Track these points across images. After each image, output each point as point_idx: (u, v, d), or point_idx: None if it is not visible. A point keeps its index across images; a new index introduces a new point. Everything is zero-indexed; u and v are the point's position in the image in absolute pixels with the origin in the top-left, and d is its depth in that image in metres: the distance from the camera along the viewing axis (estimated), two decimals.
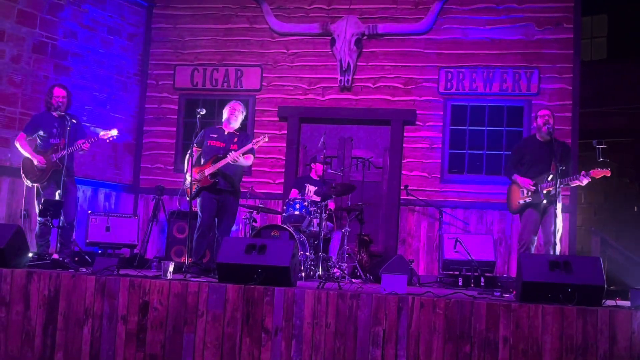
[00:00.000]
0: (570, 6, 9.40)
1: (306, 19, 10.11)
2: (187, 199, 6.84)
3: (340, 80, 9.84)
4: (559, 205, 6.74)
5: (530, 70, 9.41)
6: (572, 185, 6.99)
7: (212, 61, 10.34)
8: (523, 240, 6.98)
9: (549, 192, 6.65)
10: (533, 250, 6.99)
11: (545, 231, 6.90)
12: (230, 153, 6.93)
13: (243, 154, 6.97)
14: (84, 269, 6.22)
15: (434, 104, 9.67)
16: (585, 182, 6.61)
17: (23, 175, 7.32)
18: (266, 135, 7.15)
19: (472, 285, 7.98)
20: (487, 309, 4.77)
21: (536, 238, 6.99)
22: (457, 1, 9.73)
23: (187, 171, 6.89)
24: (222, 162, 6.95)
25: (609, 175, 6.48)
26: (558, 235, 6.55)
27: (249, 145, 6.99)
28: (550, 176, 6.68)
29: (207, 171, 6.95)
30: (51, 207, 6.77)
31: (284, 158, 9.95)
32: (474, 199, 9.40)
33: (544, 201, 6.77)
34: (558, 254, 6.44)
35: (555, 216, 6.51)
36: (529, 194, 6.91)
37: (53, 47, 9.13)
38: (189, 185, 6.75)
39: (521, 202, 6.98)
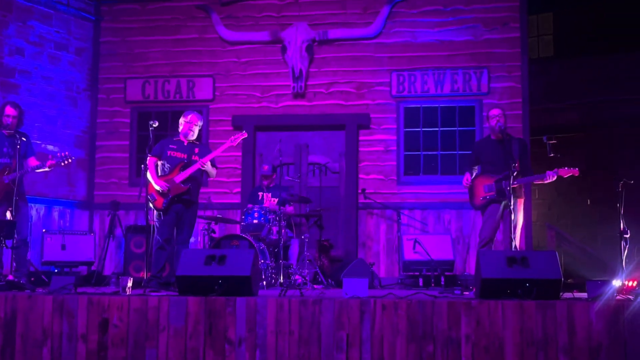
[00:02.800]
0: (516, 5, 9.57)
1: (256, 27, 10.09)
2: (151, 205, 6.89)
3: (293, 87, 9.85)
4: (520, 201, 6.82)
5: (480, 70, 9.54)
6: (537, 182, 6.97)
7: (163, 73, 10.24)
8: (483, 235, 6.94)
9: (513, 189, 6.62)
10: (492, 247, 7.03)
11: (505, 227, 6.93)
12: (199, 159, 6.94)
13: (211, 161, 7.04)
14: (40, 289, 6.11)
15: (387, 107, 9.73)
16: (549, 180, 6.63)
17: None
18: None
19: (433, 285, 8.05)
20: (448, 308, 4.81)
21: (495, 234, 7.03)
22: (406, 4, 9.81)
23: (150, 179, 6.90)
24: (194, 168, 6.94)
25: (577, 174, 6.51)
26: (517, 232, 6.62)
27: (218, 151, 7.14)
28: (515, 173, 6.64)
29: (178, 178, 6.89)
30: (3, 227, 6.63)
31: (240, 167, 9.91)
32: (430, 199, 9.48)
33: (509, 197, 6.71)
34: (516, 249, 6.50)
35: (511, 212, 6.55)
36: (493, 190, 6.90)
37: None
38: (153, 197, 6.77)
39: (487, 197, 6.90)
